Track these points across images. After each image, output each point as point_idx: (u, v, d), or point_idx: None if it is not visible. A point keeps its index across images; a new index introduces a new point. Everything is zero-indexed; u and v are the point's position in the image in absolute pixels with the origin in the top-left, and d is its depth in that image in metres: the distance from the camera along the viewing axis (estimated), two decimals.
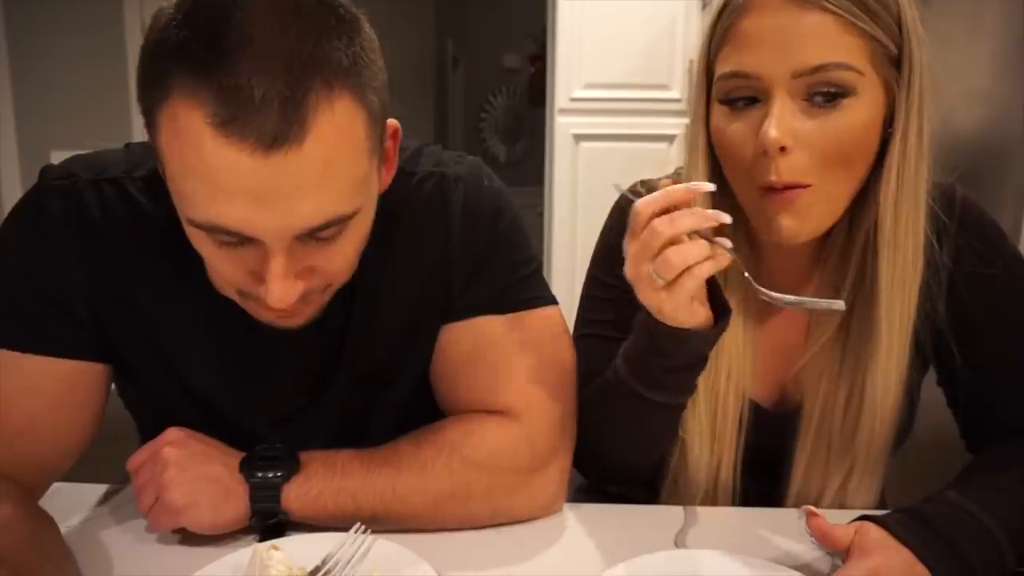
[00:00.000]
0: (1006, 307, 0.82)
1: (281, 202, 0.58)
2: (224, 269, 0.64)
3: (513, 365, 0.78)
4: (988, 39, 2.32)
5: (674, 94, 2.59)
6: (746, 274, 0.69)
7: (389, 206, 0.76)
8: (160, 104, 0.57)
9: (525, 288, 0.81)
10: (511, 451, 0.77)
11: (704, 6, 2.63)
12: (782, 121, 0.70)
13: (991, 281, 0.81)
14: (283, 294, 0.62)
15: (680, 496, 0.88)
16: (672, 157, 2.68)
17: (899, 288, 0.76)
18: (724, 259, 0.67)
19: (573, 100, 2.64)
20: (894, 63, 0.73)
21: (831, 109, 0.71)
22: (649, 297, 0.68)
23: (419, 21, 5.14)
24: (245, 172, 0.56)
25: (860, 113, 0.72)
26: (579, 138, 2.66)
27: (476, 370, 0.79)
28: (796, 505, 0.85)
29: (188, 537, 0.72)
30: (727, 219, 0.66)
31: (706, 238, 0.66)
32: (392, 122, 0.69)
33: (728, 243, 0.67)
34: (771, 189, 0.73)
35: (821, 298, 0.71)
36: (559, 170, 2.68)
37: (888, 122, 0.74)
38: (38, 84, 3.31)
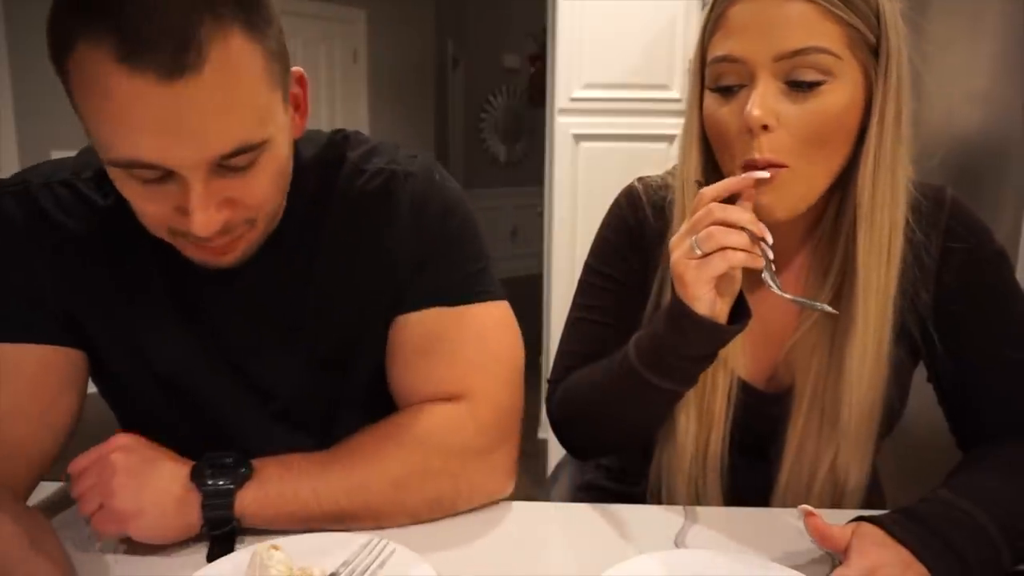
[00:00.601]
0: (991, 303, 0.83)
1: (189, 129, 0.61)
2: (151, 209, 0.67)
3: (462, 354, 0.81)
4: (988, 39, 2.32)
5: (674, 94, 2.58)
6: (767, 279, 0.73)
7: (341, 199, 0.80)
8: (68, 54, 0.61)
9: (475, 282, 0.82)
10: (458, 430, 0.79)
11: (704, 6, 2.62)
12: (764, 100, 0.74)
13: (977, 277, 0.83)
14: (206, 222, 0.65)
15: (668, 470, 0.89)
16: (672, 157, 2.66)
17: (875, 265, 0.79)
18: (758, 261, 0.72)
19: (573, 100, 2.63)
20: (872, 51, 0.76)
21: (810, 93, 0.74)
22: (679, 263, 0.74)
23: (419, 21, 5.14)
24: (152, 102, 0.59)
25: (839, 96, 0.75)
26: (579, 138, 2.66)
27: (426, 360, 0.81)
28: (787, 485, 0.86)
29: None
30: (770, 239, 0.72)
31: (752, 240, 0.72)
32: (297, 70, 0.73)
33: (770, 253, 0.72)
34: (753, 167, 0.76)
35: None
36: (559, 170, 2.68)
37: (867, 108, 0.77)
38: (38, 84, 3.30)
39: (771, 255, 0.73)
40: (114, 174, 0.66)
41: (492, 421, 0.81)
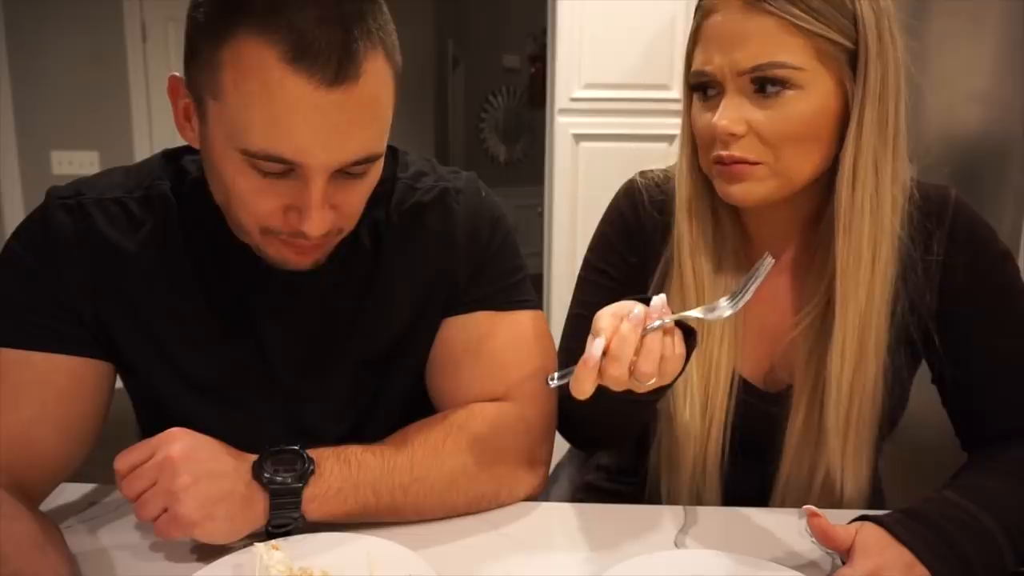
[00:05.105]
0: (996, 304, 0.83)
1: (335, 134, 0.65)
2: (259, 203, 0.69)
3: (509, 357, 0.85)
4: (988, 39, 2.32)
5: (674, 94, 2.58)
6: (694, 315, 0.72)
7: (397, 214, 0.84)
8: (224, 44, 0.64)
9: (518, 291, 0.88)
10: (511, 429, 0.82)
11: None
12: (730, 112, 0.76)
13: (982, 279, 0.83)
14: (320, 221, 0.68)
15: (668, 468, 0.90)
16: (672, 157, 2.65)
17: (854, 271, 0.79)
18: (670, 326, 0.69)
19: (573, 100, 2.63)
20: (851, 57, 0.76)
21: (776, 100, 0.76)
22: (618, 384, 0.68)
23: (419, 21, 5.14)
24: (310, 104, 0.63)
25: (806, 105, 0.76)
26: (579, 138, 2.66)
27: (476, 360, 0.84)
28: (786, 485, 0.86)
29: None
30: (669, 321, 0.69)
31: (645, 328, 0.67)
32: None
33: (668, 320, 0.68)
34: (720, 162, 0.79)
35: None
36: (559, 170, 2.68)
37: (847, 114, 0.78)
38: (38, 84, 3.30)
39: (669, 320, 0.69)
40: (232, 166, 0.68)
41: (537, 422, 0.84)
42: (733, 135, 0.77)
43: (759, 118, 0.76)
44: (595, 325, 0.68)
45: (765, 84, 0.75)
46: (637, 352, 0.67)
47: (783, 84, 0.75)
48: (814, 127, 0.77)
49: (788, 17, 0.74)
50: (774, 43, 0.74)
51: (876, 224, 0.78)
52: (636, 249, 0.93)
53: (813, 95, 0.76)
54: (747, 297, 0.70)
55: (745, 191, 0.79)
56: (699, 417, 0.86)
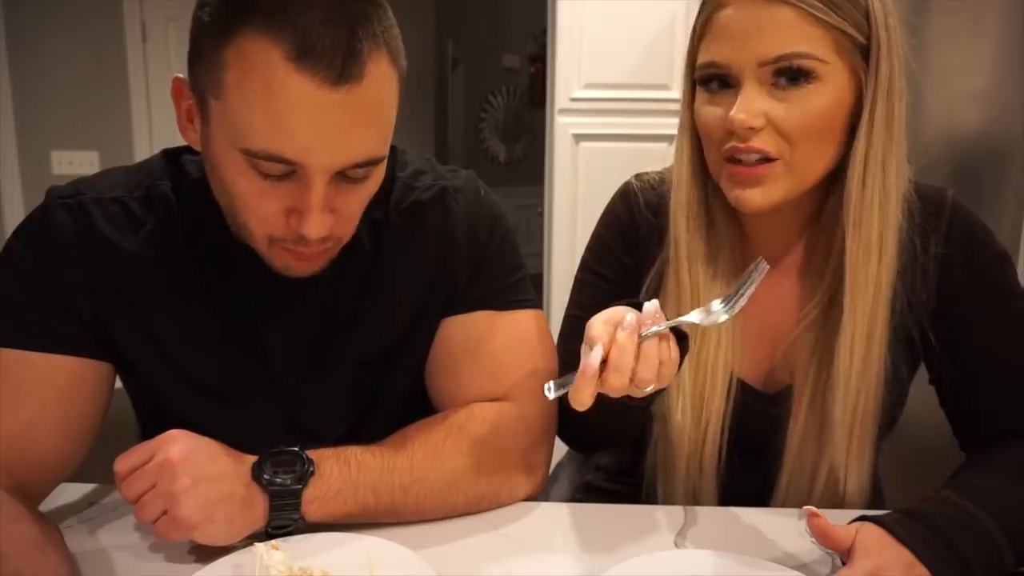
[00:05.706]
0: (993, 305, 0.83)
1: (338, 135, 0.65)
2: (260, 206, 0.69)
3: (509, 357, 0.85)
4: (988, 39, 2.32)
5: (674, 94, 2.58)
6: (691, 320, 0.71)
7: (395, 214, 0.84)
8: (228, 43, 0.64)
9: (518, 290, 0.88)
10: (511, 429, 0.82)
11: None
12: (749, 104, 0.75)
13: (979, 279, 0.83)
14: (320, 223, 0.68)
15: (664, 469, 0.90)
16: (672, 157, 2.64)
17: (863, 264, 0.79)
18: (666, 334, 0.68)
19: (573, 100, 2.64)
20: (862, 52, 0.76)
21: (795, 91, 0.75)
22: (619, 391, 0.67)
23: (419, 21, 5.14)
24: (313, 104, 0.63)
25: (824, 97, 0.76)
26: (579, 138, 2.66)
27: (476, 360, 0.84)
28: (788, 486, 0.86)
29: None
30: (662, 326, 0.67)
31: (642, 335, 0.67)
32: None
33: (664, 326, 0.68)
34: (738, 162, 0.78)
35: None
36: (559, 170, 2.68)
37: (857, 108, 0.78)
38: (38, 84, 3.30)
39: (663, 327, 0.68)
40: (233, 167, 0.68)
41: (537, 422, 0.84)
42: (752, 128, 0.76)
43: (778, 111, 0.76)
44: (588, 333, 0.67)
45: (787, 75, 0.75)
46: (635, 359, 0.66)
47: (805, 75, 0.75)
48: (830, 120, 0.77)
49: (807, 8, 0.74)
50: (795, 33, 0.74)
51: (884, 219, 0.79)
52: (631, 251, 0.93)
53: (831, 88, 0.76)
54: (742, 302, 0.70)
55: (763, 195, 0.78)
56: (694, 420, 0.86)
